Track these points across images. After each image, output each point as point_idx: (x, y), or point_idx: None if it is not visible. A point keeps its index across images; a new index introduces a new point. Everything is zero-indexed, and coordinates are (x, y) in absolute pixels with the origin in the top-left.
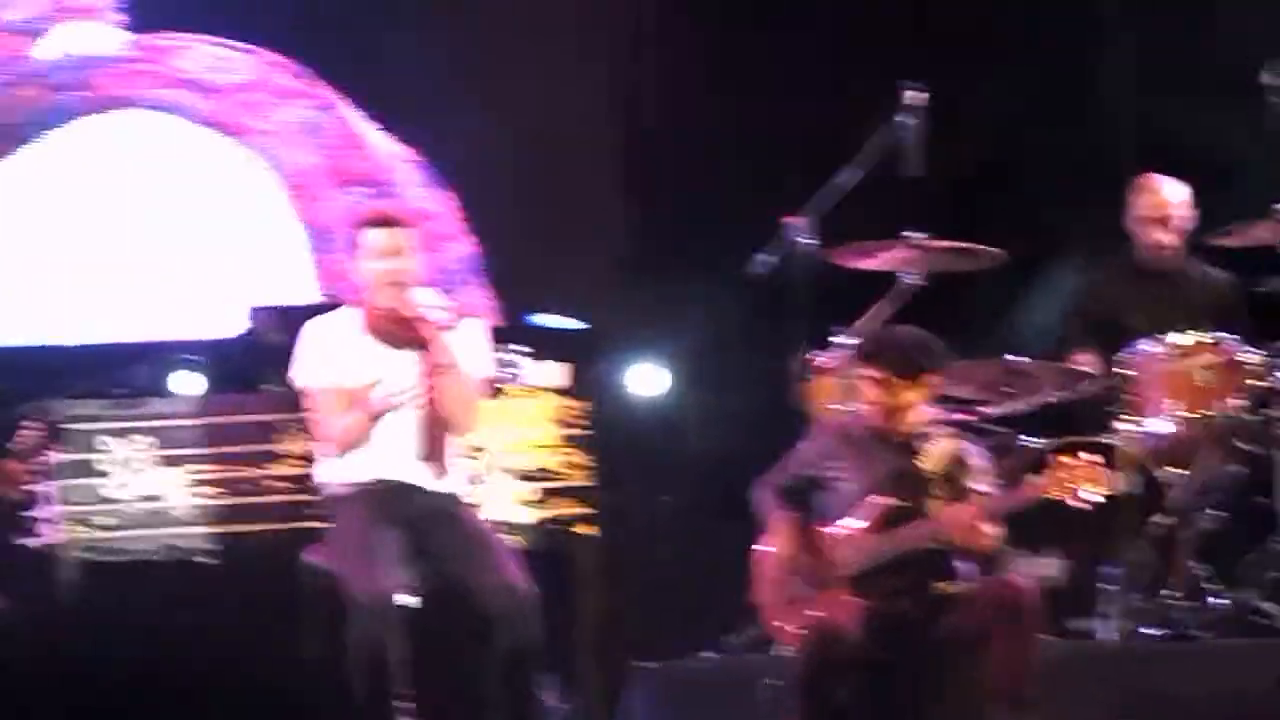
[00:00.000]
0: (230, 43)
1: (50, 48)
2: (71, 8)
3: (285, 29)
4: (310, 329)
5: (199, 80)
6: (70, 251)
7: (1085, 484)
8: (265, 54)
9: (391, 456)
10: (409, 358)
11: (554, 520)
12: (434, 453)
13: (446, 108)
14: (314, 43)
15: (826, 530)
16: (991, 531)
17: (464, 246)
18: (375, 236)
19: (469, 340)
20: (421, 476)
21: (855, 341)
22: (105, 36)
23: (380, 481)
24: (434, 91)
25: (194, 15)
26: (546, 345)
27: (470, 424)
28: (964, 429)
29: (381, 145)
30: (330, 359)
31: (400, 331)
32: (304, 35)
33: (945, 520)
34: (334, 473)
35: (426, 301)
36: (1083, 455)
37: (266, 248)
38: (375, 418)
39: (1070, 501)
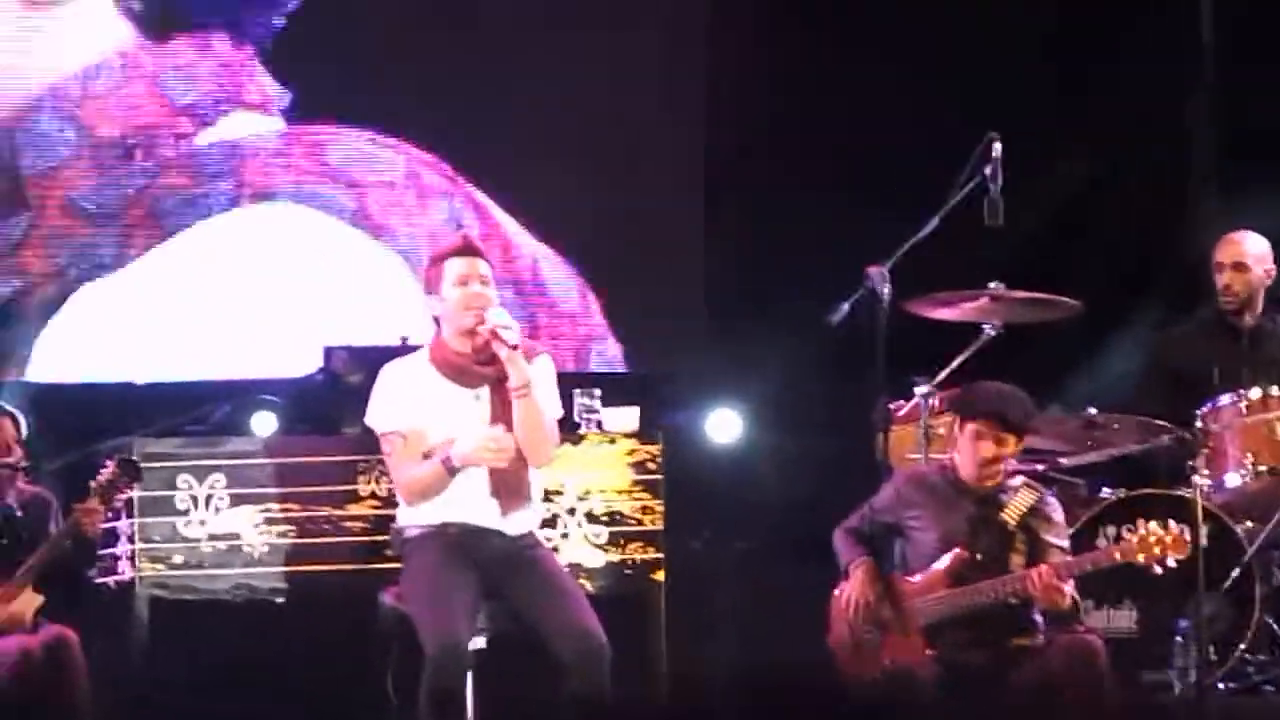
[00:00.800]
0: (380, 137)
1: (213, 135)
2: (244, 100)
3: (428, 121)
4: (386, 373)
5: (347, 174)
6: (166, 306)
7: (1171, 553)
8: (414, 150)
9: (466, 499)
10: (483, 397)
11: (628, 565)
12: (509, 488)
13: (537, 158)
14: (450, 136)
15: (904, 578)
16: (1071, 591)
17: (613, 346)
18: (457, 264)
19: (541, 375)
20: (495, 519)
21: (931, 390)
22: (267, 127)
23: (453, 525)
24: (527, 146)
25: (347, 106)
26: (624, 390)
27: (546, 453)
28: (1040, 479)
29: (525, 244)
30: (406, 401)
31: (473, 369)
32: (445, 131)
33: (1029, 580)
34: (409, 516)
35: (500, 321)
36: (1171, 524)
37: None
38: (454, 472)
39: (1155, 569)
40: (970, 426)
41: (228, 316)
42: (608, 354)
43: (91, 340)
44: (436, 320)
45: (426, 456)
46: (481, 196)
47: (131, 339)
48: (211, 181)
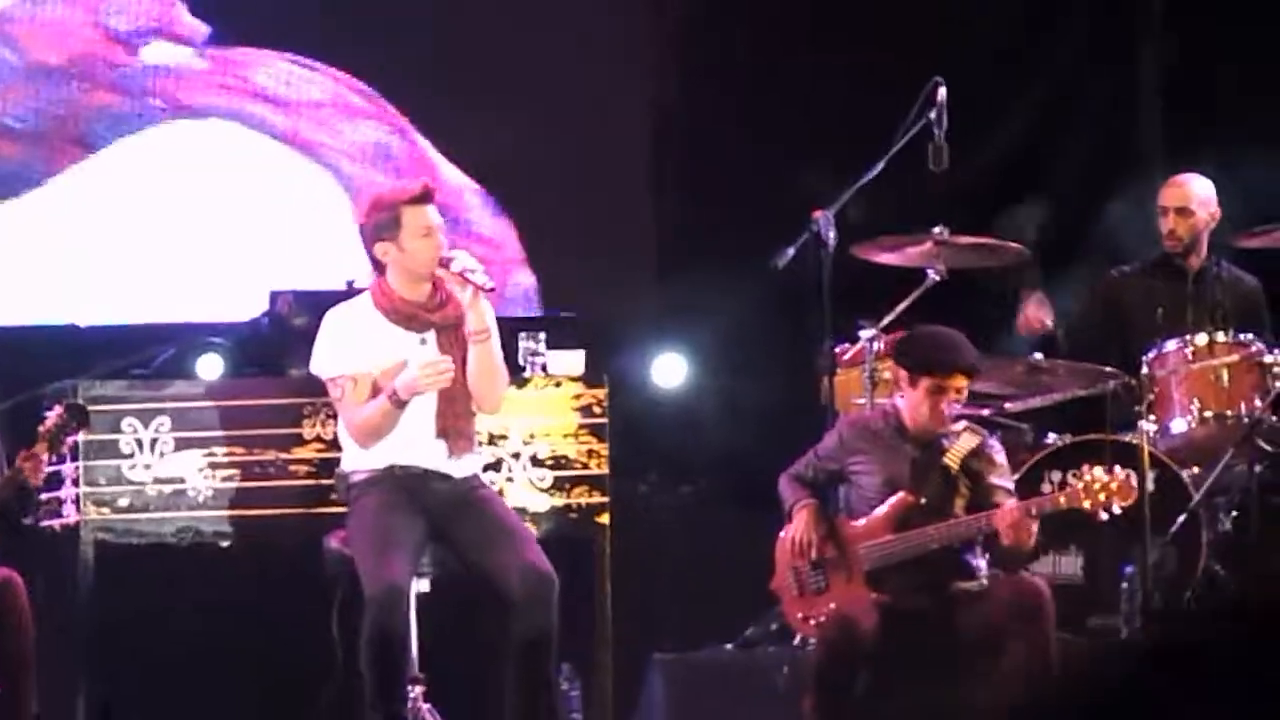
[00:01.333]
0: (304, 60)
1: (145, 60)
2: (174, 31)
3: (350, 46)
4: (331, 317)
5: (274, 95)
6: (101, 234)
7: (1117, 499)
8: (338, 73)
9: (412, 441)
10: (430, 341)
11: (573, 508)
12: (455, 429)
13: (478, 106)
14: (379, 61)
15: (848, 522)
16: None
17: (528, 276)
18: (419, 214)
19: (490, 316)
20: (441, 461)
21: (876, 334)
22: (193, 54)
23: (399, 467)
24: (465, 90)
25: (270, 33)
26: (569, 333)
27: (498, 398)
28: (985, 424)
29: (450, 174)
30: (352, 346)
31: (420, 314)
32: (369, 53)
33: (999, 517)
34: (354, 460)
35: (468, 264)
36: (1117, 470)
37: (310, 242)
38: (402, 405)
39: (1101, 514)
40: (925, 382)
41: (163, 242)
42: (527, 285)
43: (15, 264)
44: (376, 263)
45: (374, 395)
46: (408, 124)
47: (58, 264)
48: (141, 99)
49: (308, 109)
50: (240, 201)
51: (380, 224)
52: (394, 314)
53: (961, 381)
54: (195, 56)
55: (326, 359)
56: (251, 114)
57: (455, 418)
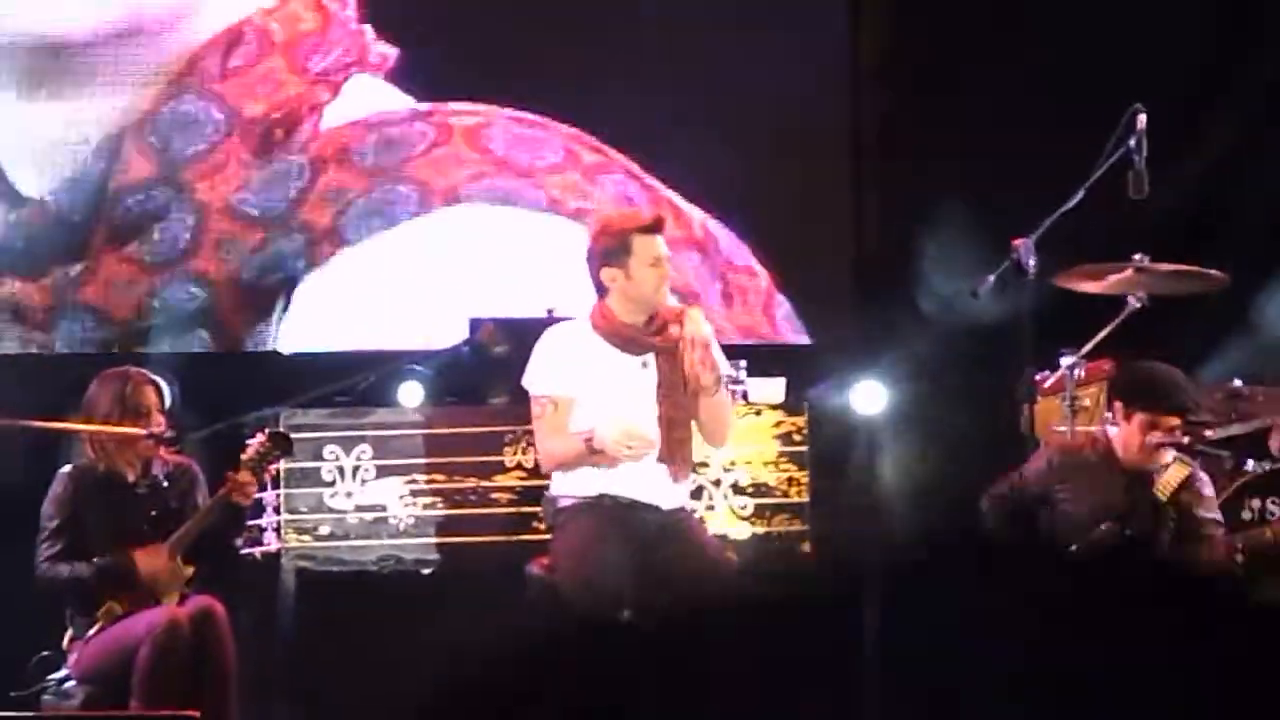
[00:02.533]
0: (525, 116)
1: (342, 107)
2: (366, 62)
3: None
4: (549, 335)
5: (517, 163)
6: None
7: None
8: (558, 125)
9: (624, 472)
10: (650, 363)
11: (773, 536)
12: (679, 457)
13: (684, 134)
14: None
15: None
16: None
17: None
18: (649, 243)
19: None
20: (651, 493)
21: (1078, 362)
22: (388, 95)
23: (609, 496)
24: (678, 123)
25: (473, 82)
26: (771, 361)
27: (726, 437)
28: (1185, 451)
29: (688, 208)
30: (567, 365)
31: (641, 337)
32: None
33: (1204, 554)
34: (564, 485)
35: (695, 332)
36: None
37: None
38: (595, 454)
39: None
40: (1141, 417)
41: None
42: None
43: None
44: (600, 287)
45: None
46: (638, 169)
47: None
48: (378, 181)
49: (550, 174)
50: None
51: (609, 250)
52: (614, 337)
53: (1176, 421)
54: (415, 120)
55: (538, 375)
56: (504, 190)
57: (679, 444)
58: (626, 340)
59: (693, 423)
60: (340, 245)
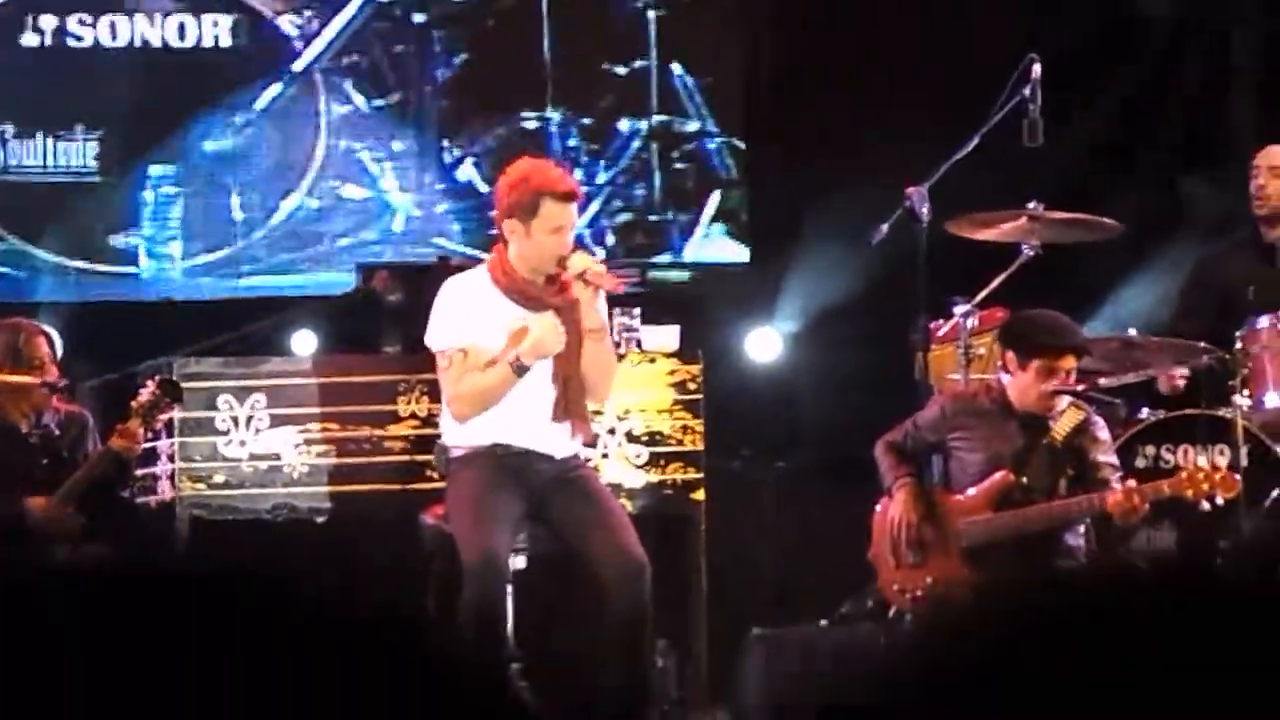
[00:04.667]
0: None
1: None
2: None
3: None
4: (449, 290)
5: None
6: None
7: (1220, 490)
8: None
9: (517, 422)
10: (547, 319)
11: (668, 485)
12: (578, 413)
13: None
14: None
15: (947, 497)
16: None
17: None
18: (556, 210)
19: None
20: (546, 443)
21: (971, 310)
22: None
23: (501, 446)
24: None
25: None
26: (663, 309)
27: (608, 391)
28: (1079, 399)
29: None
30: (469, 319)
31: (541, 297)
32: None
33: (1110, 502)
34: (456, 435)
35: (586, 264)
36: (1220, 462)
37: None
38: (522, 372)
39: (1203, 505)
40: (1035, 363)
41: None
42: None
43: None
44: (499, 233)
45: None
46: None
47: None
48: None
49: None
50: None
51: (517, 203)
52: (514, 292)
53: (1071, 362)
54: None
55: (441, 331)
56: None
57: (576, 401)
58: (525, 296)
59: None
60: None
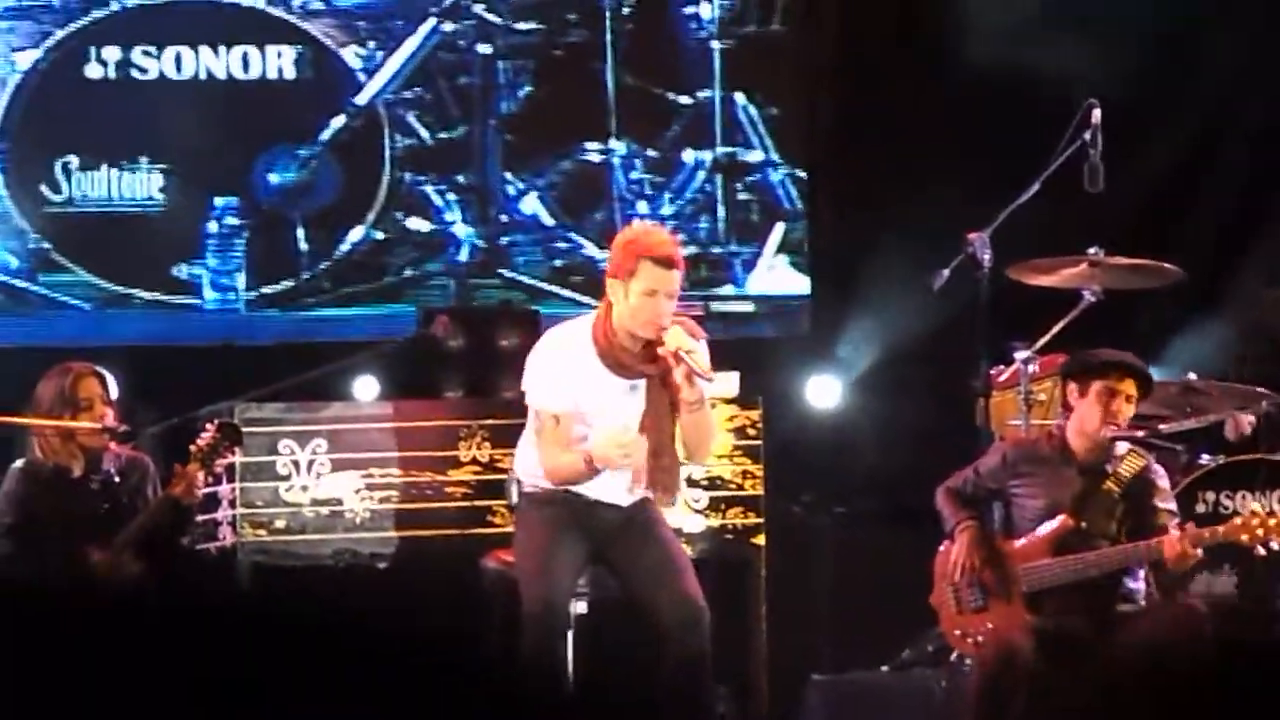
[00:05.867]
0: None
1: None
2: None
3: None
4: (548, 345)
5: None
6: None
7: (1276, 537)
8: None
9: (597, 482)
10: (639, 388)
11: (728, 529)
12: (664, 483)
13: None
14: None
15: (1008, 543)
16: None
17: None
18: (653, 272)
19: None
20: (615, 495)
21: (1032, 356)
22: None
23: (573, 494)
24: None
25: None
26: (724, 355)
27: (708, 453)
28: (1139, 445)
29: None
30: (563, 382)
31: (635, 365)
32: None
33: (1166, 547)
34: (530, 474)
35: (685, 345)
36: (1278, 509)
37: None
38: (596, 472)
39: (1259, 550)
40: (1097, 385)
41: None
42: None
43: None
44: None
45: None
46: None
47: None
48: None
49: None
50: None
51: (620, 264)
52: (609, 356)
53: (1133, 388)
54: None
55: (539, 388)
56: None
57: (663, 471)
58: (619, 363)
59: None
60: None
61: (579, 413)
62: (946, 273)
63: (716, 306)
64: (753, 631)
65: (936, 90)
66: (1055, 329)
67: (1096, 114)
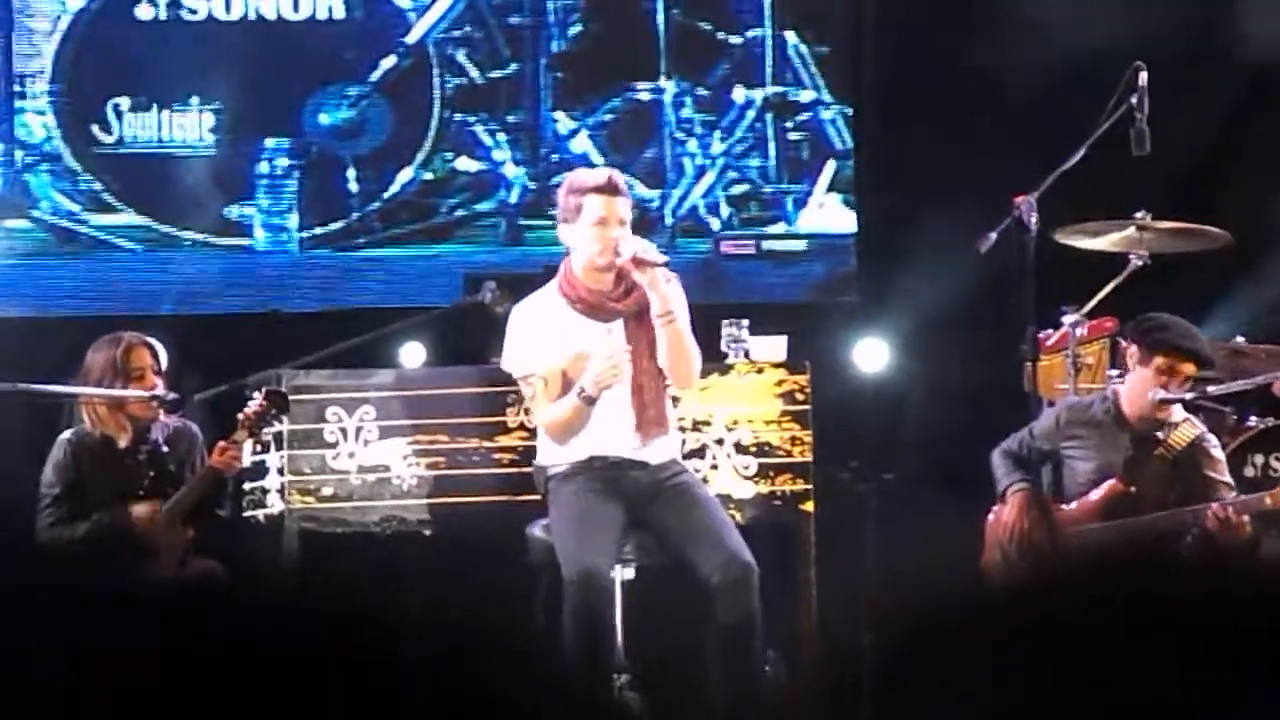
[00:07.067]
0: None
1: None
2: None
3: None
4: (518, 313)
5: None
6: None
7: None
8: None
9: (607, 433)
10: (616, 330)
11: (777, 495)
12: (652, 417)
13: None
14: None
15: (1058, 506)
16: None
17: None
18: (597, 202)
19: (679, 297)
20: (639, 450)
21: (1080, 320)
22: None
23: (598, 458)
24: None
25: None
26: (771, 319)
27: (692, 376)
28: (1188, 407)
29: None
30: (541, 342)
31: (606, 304)
32: None
33: (1209, 517)
34: (552, 454)
35: (640, 246)
36: None
37: None
38: (592, 402)
39: None
40: (1159, 360)
41: None
42: None
43: None
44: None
45: (564, 391)
46: None
47: None
48: None
49: None
50: None
51: (564, 208)
52: (580, 303)
53: (1193, 369)
54: None
55: (516, 357)
56: None
57: (645, 406)
58: (590, 306)
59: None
60: None
61: (561, 369)
62: (994, 236)
63: (767, 245)
64: (801, 597)
65: (982, 54)
66: (1102, 293)
67: (1143, 77)
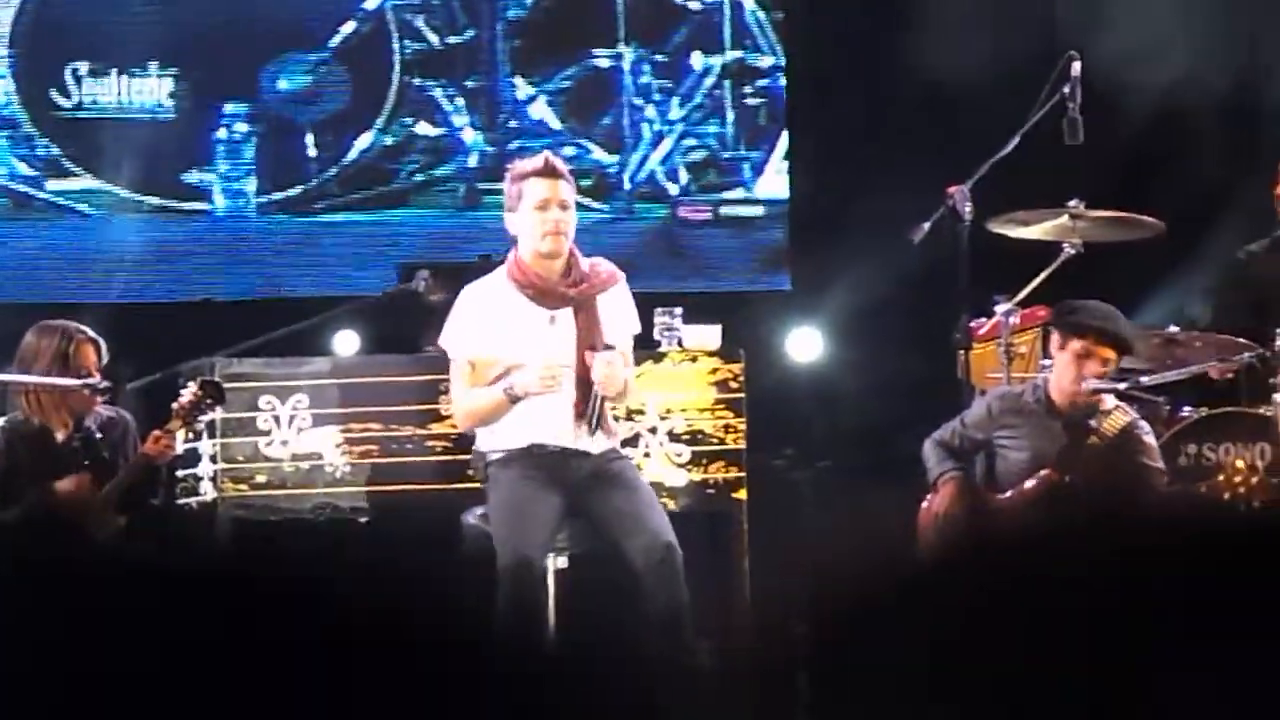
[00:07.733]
0: None
1: None
2: None
3: None
4: (465, 295)
5: None
6: None
7: (1256, 496)
8: None
9: (549, 422)
10: (562, 318)
11: (710, 484)
12: (590, 413)
13: None
14: None
15: (992, 496)
16: None
17: None
18: (537, 186)
19: (620, 300)
20: (578, 440)
21: (1012, 309)
22: None
23: (537, 446)
24: None
25: None
26: (704, 308)
27: (628, 396)
28: (1121, 397)
29: None
30: (482, 327)
31: (554, 290)
32: None
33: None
34: (492, 440)
35: (600, 376)
36: (1259, 464)
37: None
38: (515, 401)
39: (1240, 506)
40: (1075, 344)
41: None
42: None
43: None
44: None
45: (494, 381)
46: None
47: None
48: None
49: None
50: None
51: (508, 195)
52: (529, 288)
53: (1110, 353)
54: None
55: (454, 338)
56: None
57: (593, 402)
58: (538, 291)
59: None
60: None
61: (495, 359)
62: (927, 225)
63: (725, 210)
64: (734, 586)
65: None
66: (1036, 282)
67: (1076, 67)
